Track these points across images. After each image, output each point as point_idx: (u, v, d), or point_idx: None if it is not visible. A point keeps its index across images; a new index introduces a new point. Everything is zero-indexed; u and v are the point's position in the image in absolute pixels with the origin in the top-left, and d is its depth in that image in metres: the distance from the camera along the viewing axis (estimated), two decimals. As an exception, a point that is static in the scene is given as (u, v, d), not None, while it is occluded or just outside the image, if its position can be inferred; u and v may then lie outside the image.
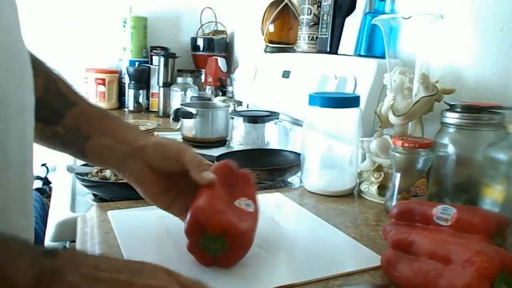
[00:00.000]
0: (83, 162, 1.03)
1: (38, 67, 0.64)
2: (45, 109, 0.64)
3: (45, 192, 1.38)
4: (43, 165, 1.62)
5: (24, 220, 0.49)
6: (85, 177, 0.90)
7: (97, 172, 0.93)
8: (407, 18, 0.78)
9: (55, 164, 1.36)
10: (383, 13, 1.05)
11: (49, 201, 1.10)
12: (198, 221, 0.55)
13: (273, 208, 0.82)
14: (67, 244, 0.83)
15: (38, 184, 1.47)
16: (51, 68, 0.67)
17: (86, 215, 0.78)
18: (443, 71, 0.93)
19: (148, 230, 0.69)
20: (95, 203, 0.82)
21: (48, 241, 0.84)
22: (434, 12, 0.80)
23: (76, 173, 0.93)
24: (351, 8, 1.18)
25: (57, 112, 0.64)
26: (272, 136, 1.34)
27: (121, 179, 0.88)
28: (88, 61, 2.11)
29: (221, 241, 0.55)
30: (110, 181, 0.89)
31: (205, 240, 0.55)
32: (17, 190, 0.47)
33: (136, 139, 0.64)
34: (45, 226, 0.92)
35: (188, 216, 0.55)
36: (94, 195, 0.96)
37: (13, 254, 0.34)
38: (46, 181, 1.52)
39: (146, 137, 0.66)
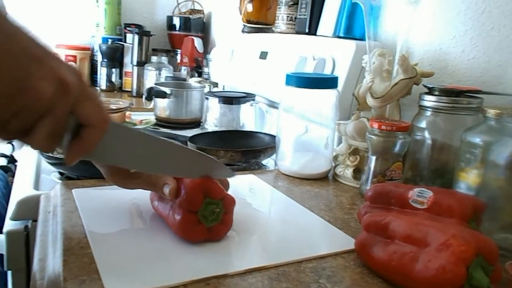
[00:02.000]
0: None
1: None
2: None
3: (9, 170, 1.32)
4: (9, 142, 1.55)
5: None
6: (50, 154, 0.86)
7: (63, 149, 0.89)
8: (389, -3, 0.76)
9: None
10: (364, -6, 1.03)
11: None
12: (200, 188, 0.55)
13: (246, 190, 0.80)
14: (29, 224, 0.80)
15: (3, 162, 1.40)
16: None
17: (50, 193, 0.74)
18: (422, 53, 0.92)
19: (115, 210, 0.66)
20: (60, 182, 0.78)
21: (8, 219, 0.80)
22: (416, -7, 0.79)
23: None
24: (332, -12, 1.15)
25: None
26: (248, 119, 1.31)
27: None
28: (58, 36, 2.03)
29: (219, 207, 0.56)
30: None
31: (205, 206, 0.56)
32: None
33: None
34: (8, 204, 0.88)
35: (185, 187, 0.56)
36: (60, 173, 0.92)
37: None
38: (11, 159, 1.46)
39: None
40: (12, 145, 1.56)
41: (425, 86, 0.77)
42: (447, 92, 0.74)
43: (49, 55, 0.39)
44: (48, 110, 0.38)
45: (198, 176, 0.56)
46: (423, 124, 0.75)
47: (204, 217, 0.56)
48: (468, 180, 0.66)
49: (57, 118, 0.39)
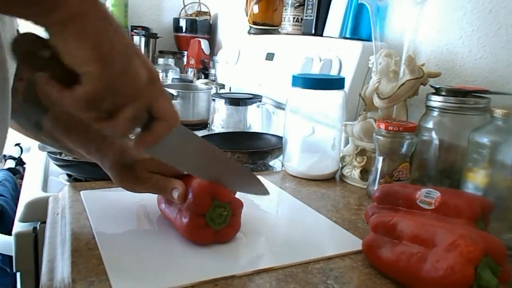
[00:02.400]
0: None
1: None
2: (28, 118, 0.61)
3: (18, 172, 1.33)
4: (17, 145, 1.56)
5: None
6: (58, 156, 0.87)
7: (71, 151, 0.89)
8: (395, -3, 0.76)
9: (29, 144, 1.31)
10: (370, -6, 1.03)
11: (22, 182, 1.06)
12: (207, 191, 0.56)
13: (254, 191, 0.80)
14: (38, 225, 0.80)
15: (11, 164, 1.42)
16: None
17: (58, 195, 0.75)
18: (429, 54, 0.92)
19: (123, 211, 0.66)
20: (68, 183, 0.79)
21: (17, 221, 0.81)
22: (422, -7, 0.78)
23: (49, 152, 0.89)
24: (338, -11, 1.15)
25: (37, 123, 0.62)
26: (255, 120, 1.31)
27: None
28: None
29: (227, 210, 0.56)
30: (83, 160, 0.86)
31: (213, 209, 0.56)
32: None
33: (130, 155, 0.61)
34: (17, 206, 0.89)
35: (193, 191, 0.56)
36: (68, 175, 0.93)
37: None
38: (19, 162, 1.47)
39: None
40: (20, 147, 1.57)
41: (432, 87, 0.77)
42: (454, 92, 0.73)
43: (141, 52, 0.44)
44: (139, 95, 0.43)
45: (234, 190, 0.59)
46: (430, 125, 0.75)
47: (212, 220, 0.56)
48: (476, 180, 0.65)
49: (143, 104, 0.44)
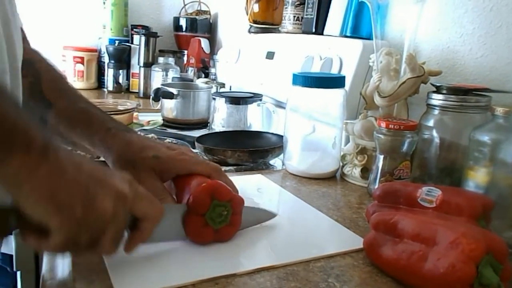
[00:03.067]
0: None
1: (28, 67, 0.63)
2: (33, 114, 0.62)
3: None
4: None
5: None
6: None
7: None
8: (396, -5, 0.76)
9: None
10: (371, -7, 1.03)
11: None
12: (207, 191, 0.56)
13: (254, 190, 0.80)
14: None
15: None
16: (43, 63, 0.66)
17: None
18: (430, 52, 0.91)
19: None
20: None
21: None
22: (423, -9, 0.78)
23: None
24: (338, -12, 1.15)
25: (42, 118, 0.64)
26: (255, 119, 1.31)
27: (97, 158, 0.85)
28: (66, 38, 2.04)
29: (227, 209, 0.57)
30: (88, 155, 0.85)
31: (213, 209, 0.56)
32: None
33: (133, 150, 0.62)
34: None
35: (194, 191, 0.56)
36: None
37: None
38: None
39: (146, 148, 0.62)
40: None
41: (433, 85, 0.77)
42: (455, 91, 0.73)
43: (106, 174, 0.44)
44: (112, 220, 0.43)
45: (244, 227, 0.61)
46: (431, 123, 0.75)
47: (212, 219, 0.56)
48: (477, 178, 0.65)
49: (119, 224, 0.45)
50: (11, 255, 0.81)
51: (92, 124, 0.64)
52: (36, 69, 0.65)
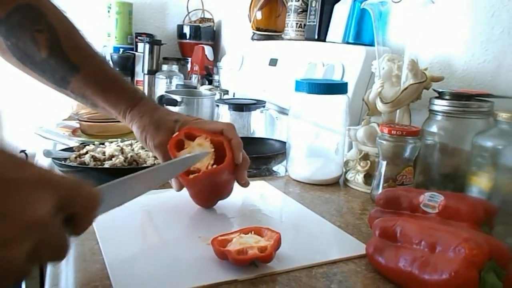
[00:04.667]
0: (62, 147, 1.00)
1: (40, 19, 0.61)
2: (52, 73, 0.63)
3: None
4: (22, 151, 1.57)
5: None
6: (63, 162, 0.87)
7: (75, 157, 0.90)
8: (397, 2, 0.76)
9: (34, 151, 1.32)
10: (373, -1, 1.03)
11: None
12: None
13: (257, 196, 0.80)
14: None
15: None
16: (52, 11, 0.66)
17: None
18: (432, 58, 0.92)
19: (126, 216, 0.66)
20: (73, 189, 0.79)
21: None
22: (424, -3, 0.79)
23: (54, 158, 0.89)
24: (340, -6, 1.16)
25: (63, 78, 0.66)
26: (258, 125, 1.32)
27: (101, 165, 0.86)
28: (71, 46, 2.06)
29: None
30: (89, 166, 0.86)
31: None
32: None
33: (159, 114, 0.70)
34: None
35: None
36: (73, 181, 0.93)
37: None
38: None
39: (170, 114, 0.72)
40: (26, 154, 1.58)
41: (435, 91, 0.77)
42: (457, 96, 0.73)
43: (9, 193, 0.30)
44: (36, 254, 0.32)
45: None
46: (433, 129, 0.75)
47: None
48: (480, 184, 0.65)
49: (47, 246, 0.33)
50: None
51: (125, 92, 0.70)
52: (48, 22, 0.64)
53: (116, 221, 0.64)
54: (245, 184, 0.70)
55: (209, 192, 0.69)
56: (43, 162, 1.05)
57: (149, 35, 2.12)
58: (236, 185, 0.70)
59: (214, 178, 0.66)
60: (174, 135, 0.68)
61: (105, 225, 0.62)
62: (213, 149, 0.67)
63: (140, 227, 0.65)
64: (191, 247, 0.57)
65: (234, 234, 0.56)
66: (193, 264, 0.53)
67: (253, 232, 0.57)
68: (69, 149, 0.96)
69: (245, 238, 0.55)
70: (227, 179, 0.68)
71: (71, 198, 0.35)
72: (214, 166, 0.66)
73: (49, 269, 0.56)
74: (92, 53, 0.71)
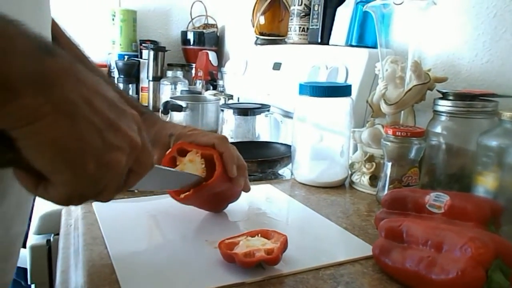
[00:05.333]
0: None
1: (51, 40, 0.63)
2: None
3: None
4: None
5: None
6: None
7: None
8: (399, 4, 0.77)
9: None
10: (375, 2, 1.04)
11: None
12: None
13: (263, 200, 0.80)
14: (51, 238, 0.81)
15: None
16: (64, 38, 0.69)
17: (71, 207, 0.76)
18: (435, 59, 0.92)
19: (134, 221, 0.67)
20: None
21: (31, 234, 0.82)
22: (426, -1, 0.79)
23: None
24: (342, -2, 1.16)
25: None
26: (263, 129, 1.32)
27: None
28: (76, 54, 2.07)
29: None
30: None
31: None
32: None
33: (155, 130, 0.71)
34: (30, 220, 0.90)
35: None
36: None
37: (7, 41, 0.28)
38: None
39: (166, 127, 0.72)
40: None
41: (439, 91, 0.77)
42: (461, 97, 0.73)
43: (118, 112, 0.37)
44: (121, 172, 0.38)
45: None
46: (438, 129, 0.75)
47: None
48: (486, 183, 0.65)
49: (124, 173, 0.39)
50: (25, 269, 0.82)
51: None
52: (59, 45, 0.65)
53: (124, 226, 0.65)
54: (245, 190, 0.69)
55: (211, 202, 0.69)
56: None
57: (154, 42, 2.14)
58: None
59: (208, 192, 0.65)
60: (168, 152, 0.67)
61: (114, 230, 0.63)
62: (203, 165, 0.65)
63: (147, 232, 0.66)
64: (198, 250, 0.57)
65: (241, 237, 0.56)
66: (201, 267, 0.54)
67: (259, 235, 0.57)
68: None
69: (252, 240, 0.55)
70: (225, 188, 0.67)
71: (143, 150, 0.40)
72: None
73: (58, 274, 0.57)
74: (99, 74, 0.72)
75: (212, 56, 2.00)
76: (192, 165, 0.65)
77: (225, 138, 0.68)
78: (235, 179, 0.66)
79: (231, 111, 1.29)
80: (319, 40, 1.20)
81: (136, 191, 0.59)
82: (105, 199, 0.40)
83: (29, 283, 0.83)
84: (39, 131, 0.30)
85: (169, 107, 1.40)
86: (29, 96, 0.29)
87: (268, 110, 1.31)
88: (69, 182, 0.33)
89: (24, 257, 0.82)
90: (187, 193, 0.64)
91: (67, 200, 0.35)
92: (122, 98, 0.57)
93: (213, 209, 0.71)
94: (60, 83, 0.31)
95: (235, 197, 0.71)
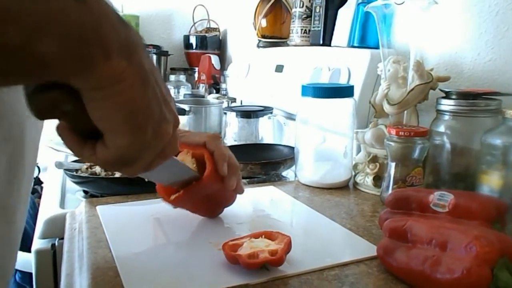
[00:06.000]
0: (73, 158, 1.01)
1: None
2: None
3: (36, 191, 1.35)
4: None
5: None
6: (75, 173, 0.88)
7: (87, 168, 0.91)
8: (400, 4, 0.77)
9: (46, 164, 1.34)
10: (376, 3, 1.04)
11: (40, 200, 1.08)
12: None
13: (267, 202, 0.80)
14: (56, 242, 0.81)
15: (29, 184, 1.44)
16: None
17: (75, 211, 0.76)
18: (438, 59, 0.92)
19: (138, 224, 0.67)
20: (85, 200, 0.80)
21: (36, 239, 0.82)
22: (428, -2, 0.79)
23: (65, 169, 0.90)
24: (344, -1, 1.16)
25: None
26: (267, 132, 1.32)
27: (112, 175, 0.87)
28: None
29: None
30: (100, 176, 0.87)
31: None
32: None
33: None
34: (35, 225, 0.90)
35: None
36: (85, 192, 0.94)
37: (106, 7, 0.31)
38: (37, 181, 1.49)
39: None
40: (38, 167, 1.60)
41: (442, 91, 0.77)
42: (464, 95, 0.73)
43: (167, 90, 0.39)
44: (166, 144, 0.39)
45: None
46: (441, 129, 0.75)
47: None
48: (491, 182, 0.65)
49: (163, 148, 0.40)
50: (30, 273, 0.83)
51: None
52: None
53: (128, 230, 0.65)
54: (238, 191, 0.68)
55: (204, 205, 0.68)
56: (55, 174, 1.07)
57: (156, 47, 2.15)
58: (244, 191, 0.70)
59: (199, 193, 0.63)
60: None
61: (117, 233, 0.63)
62: (194, 164, 0.64)
63: (151, 234, 0.66)
64: (202, 252, 0.57)
65: (244, 239, 0.56)
66: (205, 269, 0.54)
67: (263, 236, 0.57)
68: (80, 160, 0.97)
69: (255, 242, 0.55)
70: (217, 188, 0.65)
71: (173, 138, 0.41)
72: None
73: (63, 277, 0.57)
74: None
75: (215, 59, 2.00)
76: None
77: (216, 137, 0.67)
78: (226, 179, 0.64)
79: (234, 114, 1.29)
80: (321, 42, 1.20)
81: (146, 180, 0.58)
82: (136, 170, 0.40)
83: (34, 287, 0.83)
84: (120, 92, 0.33)
85: (172, 110, 1.39)
86: (116, 59, 0.31)
87: (271, 113, 1.31)
88: (126, 145, 0.35)
89: (29, 262, 0.82)
90: (178, 193, 0.62)
91: (112, 163, 0.37)
92: None
93: (207, 214, 0.70)
94: (139, 51, 0.34)
95: (229, 200, 0.70)
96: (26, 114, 0.39)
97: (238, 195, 0.70)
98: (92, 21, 0.29)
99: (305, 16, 1.27)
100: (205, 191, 0.64)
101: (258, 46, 1.57)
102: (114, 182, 0.84)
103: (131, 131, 0.35)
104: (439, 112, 0.76)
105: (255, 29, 1.55)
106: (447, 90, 0.76)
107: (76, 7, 0.28)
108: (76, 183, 0.91)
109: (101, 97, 0.32)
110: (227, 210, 0.71)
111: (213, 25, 2.31)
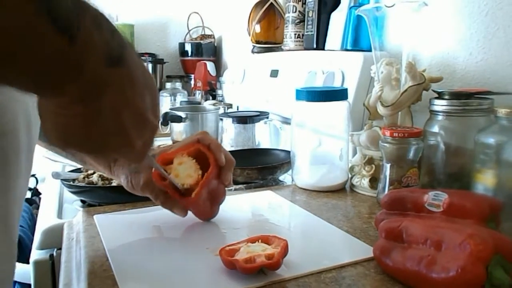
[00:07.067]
0: (70, 168, 1.01)
1: None
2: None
3: (34, 202, 1.35)
4: (32, 175, 1.59)
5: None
6: (72, 183, 0.88)
7: (84, 177, 0.91)
8: (391, 6, 0.77)
9: (44, 175, 1.34)
10: (368, 6, 1.04)
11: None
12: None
13: (265, 206, 0.80)
14: (54, 252, 0.81)
15: (27, 194, 1.44)
16: None
17: (73, 220, 0.76)
18: (430, 59, 0.92)
19: (135, 233, 0.67)
20: (82, 209, 0.80)
21: (34, 249, 0.82)
22: (418, 0, 0.80)
23: (62, 179, 0.91)
24: (336, 3, 1.17)
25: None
26: (263, 136, 1.33)
27: (109, 184, 0.87)
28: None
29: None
30: (97, 185, 0.87)
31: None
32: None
33: None
34: (33, 235, 0.90)
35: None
36: (83, 201, 0.94)
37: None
38: (35, 192, 1.49)
39: None
40: (36, 178, 1.60)
41: (435, 91, 0.78)
42: (457, 95, 0.74)
43: (152, 81, 0.44)
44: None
45: None
46: (435, 129, 0.75)
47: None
48: (485, 181, 0.65)
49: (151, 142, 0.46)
50: (29, 284, 0.83)
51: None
52: None
53: (126, 237, 0.65)
54: (224, 183, 0.69)
55: (209, 202, 0.69)
56: (54, 185, 1.07)
57: (152, 55, 2.15)
58: (241, 197, 0.71)
59: (209, 185, 0.65)
60: (153, 169, 0.66)
61: (115, 242, 0.63)
62: (194, 160, 0.65)
63: (148, 242, 0.66)
64: (200, 259, 0.58)
65: (241, 244, 0.57)
66: (202, 275, 0.54)
67: (260, 241, 0.57)
68: (77, 170, 0.97)
69: (252, 246, 0.56)
70: (216, 181, 0.67)
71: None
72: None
73: (61, 287, 0.57)
74: None
75: (210, 66, 2.01)
76: (183, 166, 0.65)
77: (206, 132, 0.69)
78: (223, 172, 0.67)
79: (230, 119, 1.29)
80: (315, 46, 1.21)
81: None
82: (141, 155, 0.45)
83: (33, 298, 0.83)
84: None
85: (169, 118, 1.40)
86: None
87: (267, 117, 1.31)
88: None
89: (28, 273, 0.82)
90: (197, 190, 0.63)
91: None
92: None
93: (210, 214, 0.70)
94: (130, 58, 0.38)
95: (221, 196, 0.70)
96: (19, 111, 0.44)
97: (236, 201, 0.70)
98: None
99: (298, 21, 1.28)
100: (214, 181, 0.66)
101: (253, 52, 1.58)
102: (111, 191, 0.84)
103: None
104: (433, 113, 0.76)
105: (249, 35, 1.56)
106: (440, 90, 0.77)
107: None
108: (73, 193, 0.91)
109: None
110: (224, 216, 0.72)
111: (208, 32, 2.32)
